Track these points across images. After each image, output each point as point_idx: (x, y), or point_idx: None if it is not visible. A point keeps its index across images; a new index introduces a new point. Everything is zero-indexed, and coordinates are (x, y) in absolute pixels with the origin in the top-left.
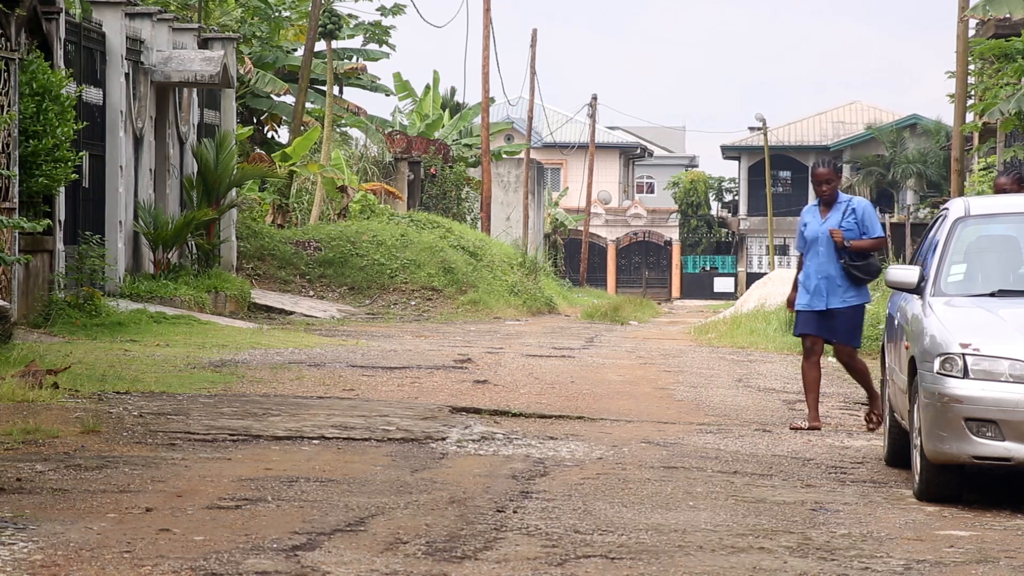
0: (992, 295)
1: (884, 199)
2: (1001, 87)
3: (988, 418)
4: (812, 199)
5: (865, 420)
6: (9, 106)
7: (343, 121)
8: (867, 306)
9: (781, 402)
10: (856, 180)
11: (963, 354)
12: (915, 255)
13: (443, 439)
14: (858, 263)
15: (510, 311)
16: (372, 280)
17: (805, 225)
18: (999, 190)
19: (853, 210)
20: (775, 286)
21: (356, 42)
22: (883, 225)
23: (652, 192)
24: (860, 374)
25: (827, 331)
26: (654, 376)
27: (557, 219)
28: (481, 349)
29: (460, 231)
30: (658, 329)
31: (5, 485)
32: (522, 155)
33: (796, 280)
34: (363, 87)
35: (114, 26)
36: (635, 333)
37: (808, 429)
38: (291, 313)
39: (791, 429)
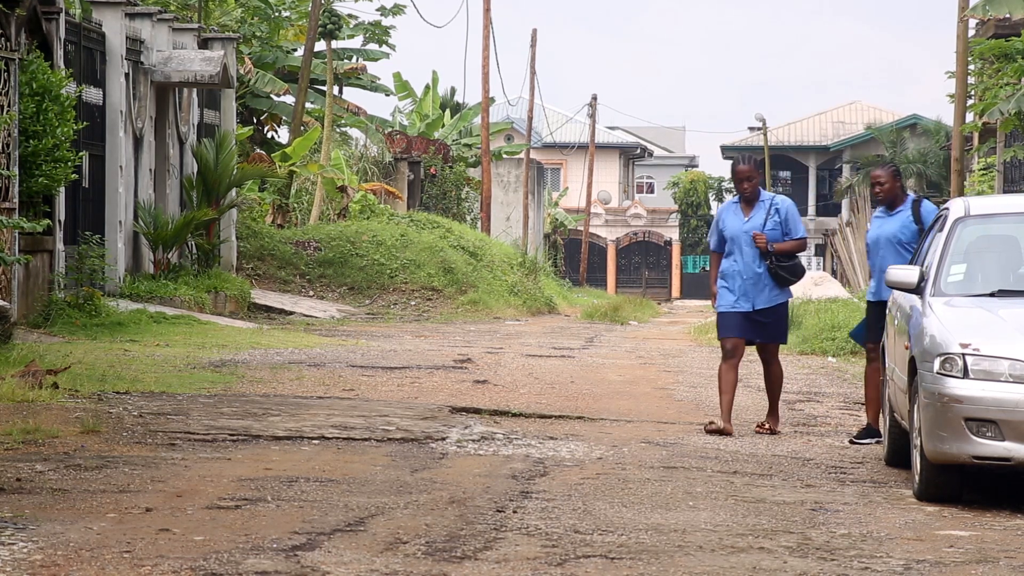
0: (992, 295)
1: None
2: (1001, 87)
3: (988, 418)
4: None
5: (757, 427)
6: (9, 106)
7: (343, 121)
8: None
9: (781, 402)
10: (856, 180)
11: (963, 354)
12: (915, 255)
13: (443, 439)
14: (785, 264)
15: (510, 311)
16: (372, 280)
17: (723, 223)
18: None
19: (776, 210)
20: None
21: (356, 42)
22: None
23: (652, 192)
24: (775, 379)
25: (752, 332)
26: (654, 376)
27: (557, 219)
28: (481, 349)
29: (460, 231)
30: (658, 329)
31: (5, 485)
32: (522, 155)
33: (714, 279)
34: (363, 87)
35: (114, 26)
36: (635, 333)
37: (719, 432)
38: (291, 313)
39: (706, 432)
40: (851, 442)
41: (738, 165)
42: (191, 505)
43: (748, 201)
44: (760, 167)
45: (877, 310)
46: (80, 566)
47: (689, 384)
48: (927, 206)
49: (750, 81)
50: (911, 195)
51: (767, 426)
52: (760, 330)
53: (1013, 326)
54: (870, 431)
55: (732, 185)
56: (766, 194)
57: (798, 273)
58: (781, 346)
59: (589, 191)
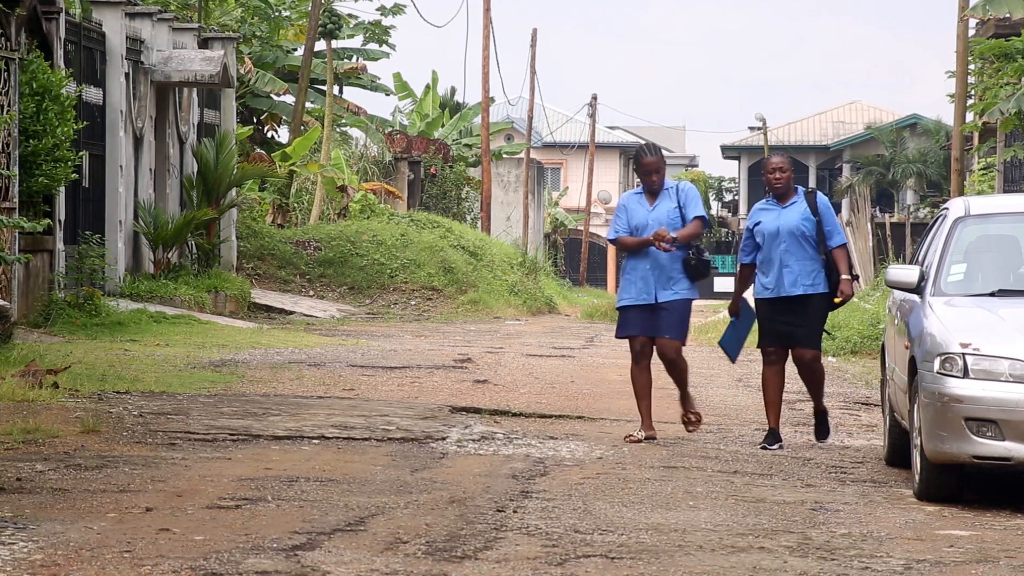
0: (992, 295)
1: (884, 199)
2: (1001, 87)
3: (988, 418)
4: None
5: (683, 422)
6: (9, 106)
7: (343, 121)
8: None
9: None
10: (856, 180)
11: (963, 354)
12: (915, 255)
13: (443, 439)
14: (704, 259)
15: (510, 311)
16: (372, 280)
17: (629, 213)
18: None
19: (680, 193)
20: None
21: (356, 42)
22: (890, 227)
23: None
24: (680, 372)
25: (652, 327)
26: (654, 376)
27: (557, 219)
28: (481, 349)
29: (460, 231)
30: None
31: (5, 485)
32: (522, 155)
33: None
34: (363, 87)
35: (114, 26)
36: None
37: (645, 440)
38: (291, 313)
39: (626, 440)
40: (761, 448)
41: (644, 156)
42: (191, 505)
43: (653, 193)
44: (664, 158)
45: (774, 307)
46: (80, 566)
47: (689, 384)
48: (822, 198)
49: (750, 81)
50: (800, 187)
51: (691, 416)
52: (657, 325)
53: (1013, 326)
54: (775, 435)
55: (639, 177)
56: (670, 182)
57: (708, 269)
58: (672, 342)
59: (589, 191)
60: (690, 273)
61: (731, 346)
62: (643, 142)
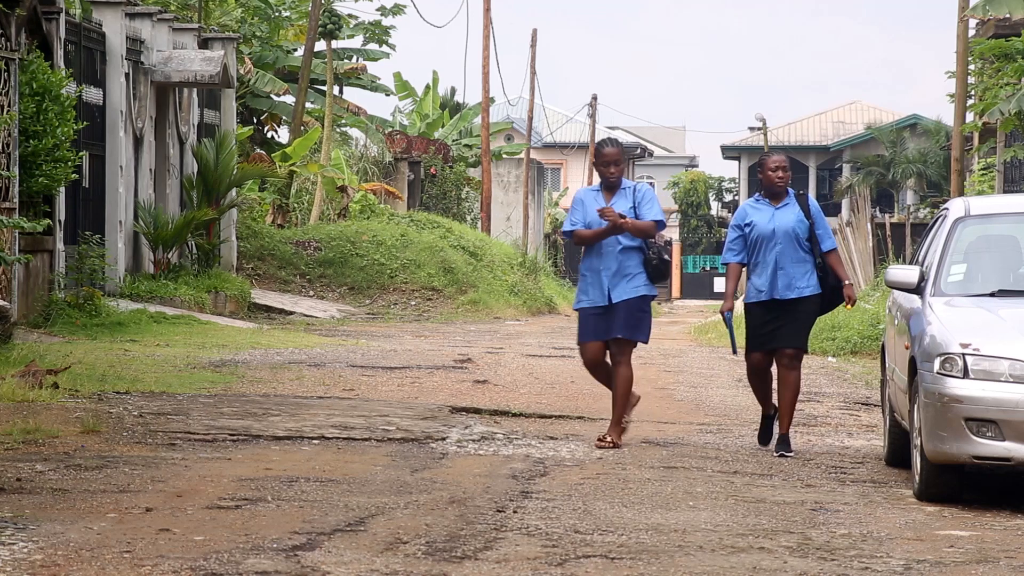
0: (992, 295)
1: (884, 199)
2: (1001, 87)
3: (988, 418)
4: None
5: (598, 440)
6: (9, 106)
7: (343, 121)
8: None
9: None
10: (856, 180)
11: (963, 354)
12: (915, 255)
13: (443, 439)
14: (665, 258)
15: (510, 311)
16: (372, 280)
17: (583, 205)
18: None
19: (636, 193)
20: None
21: (356, 42)
22: (890, 227)
23: None
24: (622, 381)
25: (607, 330)
26: (654, 376)
27: (557, 219)
28: (481, 349)
29: (460, 231)
30: (658, 329)
31: (5, 485)
32: (522, 155)
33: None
34: (363, 87)
35: (114, 26)
36: None
37: (613, 446)
38: (291, 313)
39: (597, 447)
40: (779, 455)
41: (605, 148)
42: (191, 505)
43: (610, 188)
44: (625, 152)
45: (766, 311)
46: (80, 566)
47: (689, 384)
48: (813, 200)
49: (750, 81)
50: (791, 189)
51: (608, 440)
52: (615, 325)
53: (1013, 326)
54: (771, 420)
55: (597, 170)
56: (628, 182)
57: (669, 269)
58: (625, 341)
59: None
60: (650, 273)
61: (734, 340)
62: (642, 142)
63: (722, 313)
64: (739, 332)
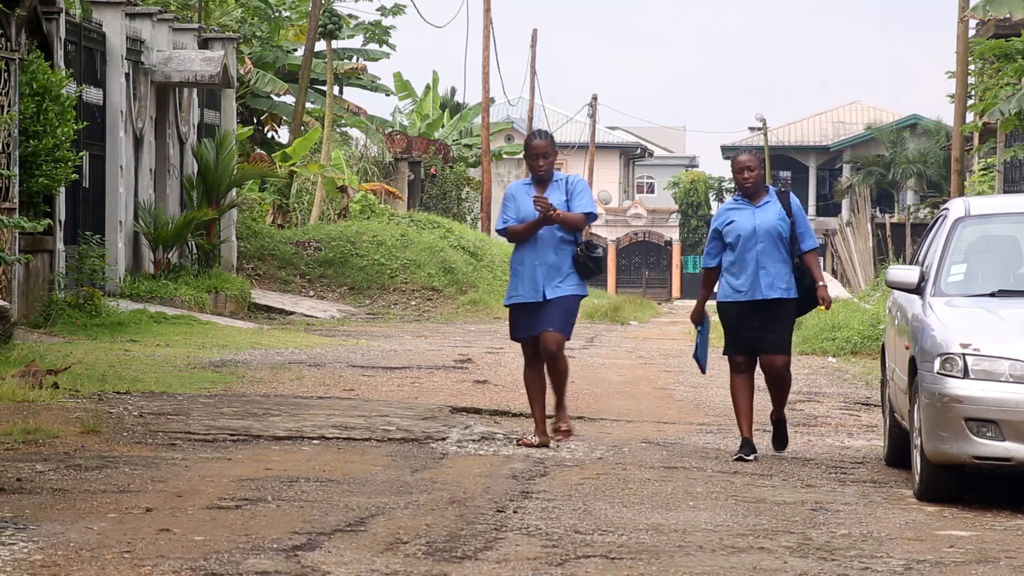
0: (992, 295)
1: (884, 199)
2: (1001, 87)
3: (988, 418)
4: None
5: (552, 431)
6: (9, 106)
7: (343, 121)
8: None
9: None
10: (856, 180)
11: (963, 354)
12: (915, 255)
13: (443, 439)
14: (595, 255)
15: None
16: (372, 280)
17: (515, 200)
18: None
19: (568, 184)
20: None
21: (356, 42)
22: (890, 227)
23: (652, 192)
24: (560, 374)
25: (538, 324)
26: (654, 376)
27: None
28: (481, 349)
29: (460, 231)
30: (658, 329)
31: (5, 485)
32: (522, 155)
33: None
34: (363, 87)
35: (114, 26)
36: (635, 333)
37: (537, 446)
38: (291, 313)
39: (519, 444)
40: (737, 459)
41: (534, 140)
42: (191, 505)
43: (541, 181)
44: (555, 144)
45: (743, 311)
46: (80, 566)
47: (689, 384)
48: (795, 199)
49: (750, 81)
50: (771, 187)
51: (562, 427)
52: (545, 320)
53: (1013, 326)
54: (749, 445)
55: (527, 164)
56: (560, 174)
57: (602, 265)
58: (554, 335)
59: None
60: (580, 269)
61: (703, 356)
62: (642, 142)
63: (694, 323)
64: (713, 337)
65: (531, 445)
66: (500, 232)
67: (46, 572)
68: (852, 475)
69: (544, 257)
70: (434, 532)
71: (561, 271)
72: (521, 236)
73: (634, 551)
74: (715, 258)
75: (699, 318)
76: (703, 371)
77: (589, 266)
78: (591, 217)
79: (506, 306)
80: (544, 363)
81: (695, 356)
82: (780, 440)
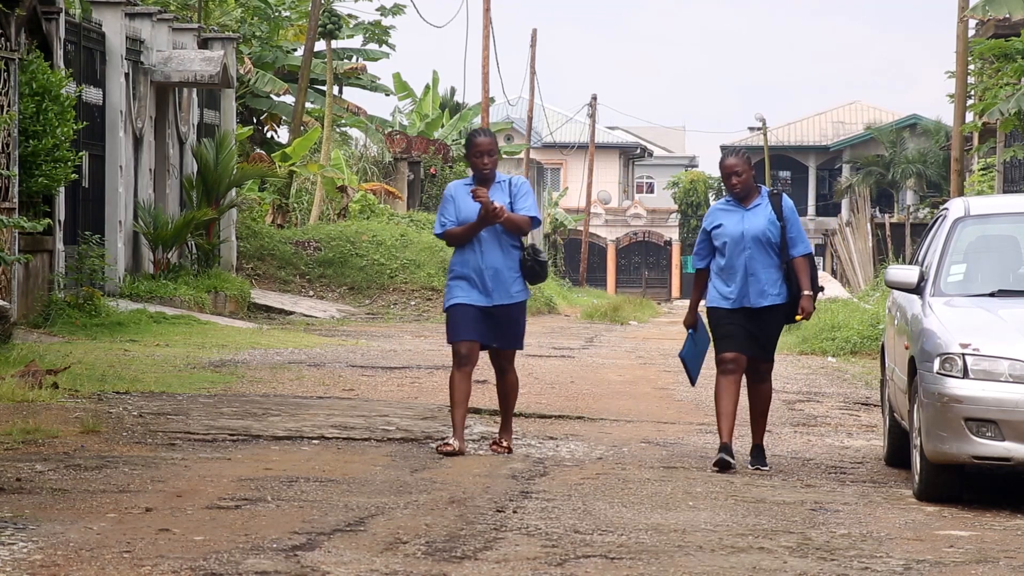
0: (992, 295)
1: (884, 199)
2: (1001, 87)
3: (988, 418)
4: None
5: (493, 445)
6: (9, 106)
7: (343, 121)
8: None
9: (781, 402)
10: (856, 180)
11: (963, 354)
12: (915, 255)
13: (443, 439)
14: (541, 259)
15: None
16: (372, 280)
17: (455, 202)
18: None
19: (512, 186)
20: None
21: (356, 42)
22: (890, 227)
23: (652, 192)
24: (511, 388)
25: (488, 334)
26: (654, 376)
27: (557, 219)
28: None
29: None
30: (658, 329)
31: (5, 485)
32: (522, 155)
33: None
34: (363, 87)
35: (114, 26)
36: (635, 333)
37: (456, 453)
38: (291, 313)
39: (439, 452)
40: (715, 470)
41: (477, 137)
42: (191, 505)
43: (484, 181)
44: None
45: (732, 316)
46: (80, 566)
47: (689, 384)
48: (788, 201)
49: (750, 81)
50: (764, 188)
51: (504, 444)
52: (496, 333)
53: (1013, 326)
54: (728, 450)
55: (469, 162)
56: (503, 175)
57: (547, 269)
58: (509, 351)
59: (589, 191)
60: (527, 274)
61: (693, 363)
62: (642, 142)
63: (686, 327)
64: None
65: (452, 453)
66: (439, 236)
67: (46, 572)
68: (852, 475)
69: (490, 260)
70: (434, 532)
71: (509, 275)
72: (462, 239)
73: (634, 551)
74: (704, 259)
75: (692, 321)
76: (692, 381)
77: (536, 270)
78: (535, 222)
79: (446, 310)
80: (473, 367)
81: (681, 355)
82: (760, 459)
